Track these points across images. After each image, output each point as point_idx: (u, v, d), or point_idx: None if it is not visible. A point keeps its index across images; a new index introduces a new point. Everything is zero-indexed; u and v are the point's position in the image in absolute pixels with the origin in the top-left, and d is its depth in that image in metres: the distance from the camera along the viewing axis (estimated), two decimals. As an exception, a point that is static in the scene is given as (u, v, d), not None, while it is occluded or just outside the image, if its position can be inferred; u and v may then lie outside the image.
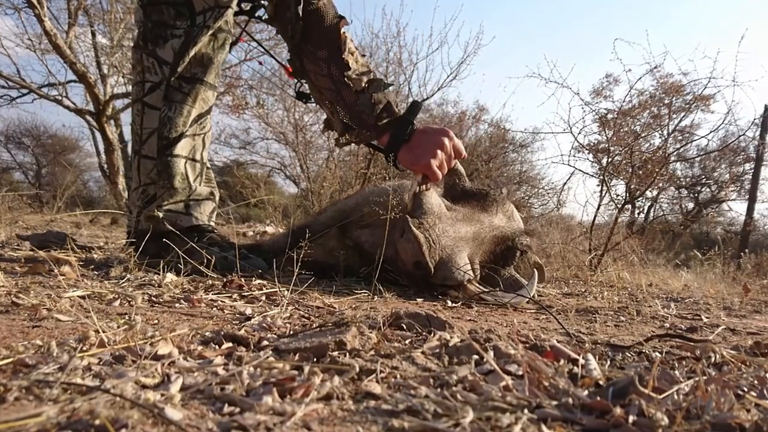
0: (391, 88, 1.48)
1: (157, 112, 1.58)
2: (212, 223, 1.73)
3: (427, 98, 6.21)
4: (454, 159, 1.52)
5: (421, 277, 1.46)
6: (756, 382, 0.69)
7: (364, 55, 1.49)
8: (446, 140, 1.46)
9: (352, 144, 1.55)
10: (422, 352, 0.74)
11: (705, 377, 0.65)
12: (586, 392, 0.60)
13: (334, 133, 1.57)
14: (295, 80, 1.71)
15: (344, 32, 1.40)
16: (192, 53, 1.57)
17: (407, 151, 1.44)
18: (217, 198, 1.76)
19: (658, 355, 0.86)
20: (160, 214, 1.58)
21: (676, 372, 0.72)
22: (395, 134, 1.44)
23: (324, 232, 1.64)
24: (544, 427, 0.50)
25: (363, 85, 1.41)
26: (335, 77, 1.40)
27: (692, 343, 0.93)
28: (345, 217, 1.75)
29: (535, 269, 1.72)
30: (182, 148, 1.62)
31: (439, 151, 1.44)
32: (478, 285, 1.53)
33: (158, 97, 1.58)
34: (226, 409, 0.51)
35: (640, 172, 3.73)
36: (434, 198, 1.53)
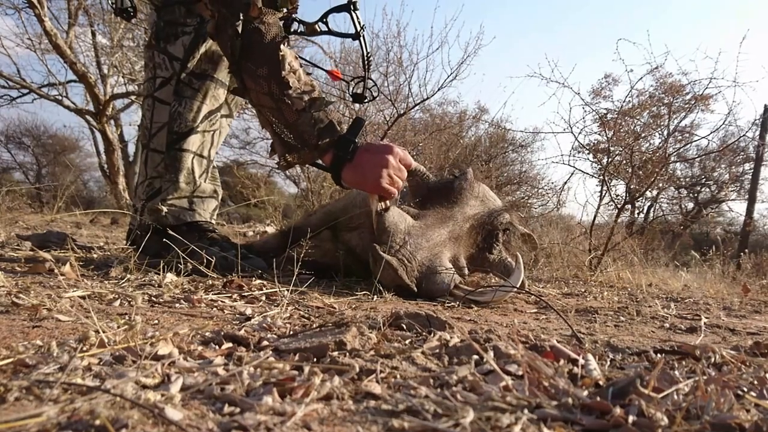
0: (331, 106, 1.45)
1: (168, 107, 1.61)
2: (213, 221, 1.74)
3: (428, 98, 6.20)
4: (404, 171, 1.49)
5: (408, 296, 1.45)
6: (756, 382, 0.69)
7: (309, 73, 1.48)
8: (390, 158, 1.42)
9: (296, 165, 1.52)
10: (422, 353, 0.74)
11: (705, 377, 0.65)
12: (586, 392, 0.60)
13: (276, 157, 1.56)
14: (343, 81, 1.72)
15: (283, 50, 1.39)
16: (202, 50, 1.60)
17: (352, 171, 1.42)
18: (220, 196, 1.77)
19: (659, 355, 0.86)
20: (164, 209, 1.60)
21: (676, 372, 0.72)
22: (337, 154, 1.42)
23: (314, 234, 1.62)
24: (544, 427, 0.50)
25: (304, 104, 1.38)
26: (276, 95, 1.38)
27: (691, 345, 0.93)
28: (333, 219, 1.74)
29: (518, 253, 1.68)
30: (192, 143, 1.64)
31: (384, 170, 1.41)
32: (465, 287, 1.51)
33: (168, 93, 1.61)
34: (227, 409, 0.51)
35: (640, 172, 3.73)
36: (396, 213, 1.48)
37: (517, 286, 1.52)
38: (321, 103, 1.41)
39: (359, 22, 1.63)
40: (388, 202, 1.47)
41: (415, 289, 1.42)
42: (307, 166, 1.60)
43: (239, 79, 1.44)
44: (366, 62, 1.70)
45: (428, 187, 1.72)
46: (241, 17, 1.35)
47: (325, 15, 1.63)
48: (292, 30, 1.63)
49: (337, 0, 1.62)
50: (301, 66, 1.45)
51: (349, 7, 1.60)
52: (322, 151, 1.42)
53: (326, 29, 1.64)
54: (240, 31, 1.36)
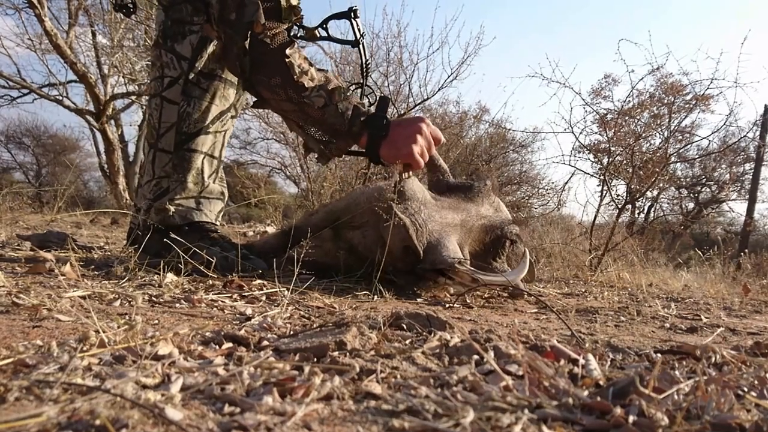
0: (351, 90, 1.47)
1: (176, 107, 1.60)
2: (218, 223, 1.74)
3: (428, 98, 6.21)
4: (433, 145, 1.53)
5: (412, 264, 1.45)
6: (756, 382, 0.69)
7: (320, 70, 1.49)
8: (424, 126, 1.47)
9: (336, 158, 1.55)
10: (422, 352, 0.74)
11: (705, 377, 0.65)
12: (586, 392, 0.60)
13: (314, 154, 1.58)
14: None
15: (289, 55, 1.39)
16: (210, 49, 1.60)
17: (388, 146, 1.45)
18: (226, 198, 1.78)
19: (659, 355, 0.86)
20: (172, 208, 1.60)
21: (676, 372, 0.72)
22: (372, 133, 1.44)
23: (316, 234, 1.63)
24: (544, 427, 0.50)
25: (324, 100, 1.41)
26: (295, 100, 1.40)
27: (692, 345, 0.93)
28: (336, 219, 1.74)
29: (526, 249, 1.71)
30: (202, 143, 1.65)
31: (419, 137, 1.45)
32: (469, 267, 1.51)
33: (177, 92, 1.61)
34: (227, 409, 0.51)
35: (641, 172, 3.73)
36: (417, 184, 1.54)
37: (522, 275, 1.53)
38: (341, 93, 1.43)
39: (359, 30, 1.63)
40: (411, 173, 1.50)
41: (422, 253, 1.43)
42: (306, 165, 1.60)
43: (255, 93, 1.45)
44: (365, 70, 1.70)
45: (448, 186, 1.77)
46: (248, 36, 1.36)
47: (325, 21, 1.63)
48: (291, 34, 1.63)
49: (337, 5, 1.63)
50: (311, 65, 1.46)
51: (349, 15, 1.61)
52: (356, 134, 1.45)
53: (326, 35, 1.65)
54: (247, 48, 1.37)
